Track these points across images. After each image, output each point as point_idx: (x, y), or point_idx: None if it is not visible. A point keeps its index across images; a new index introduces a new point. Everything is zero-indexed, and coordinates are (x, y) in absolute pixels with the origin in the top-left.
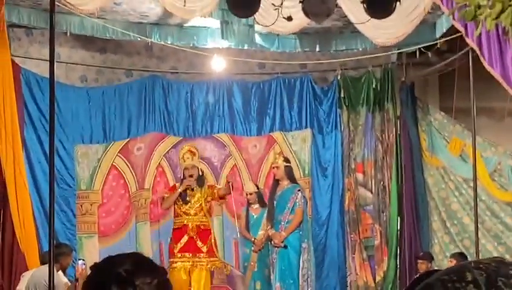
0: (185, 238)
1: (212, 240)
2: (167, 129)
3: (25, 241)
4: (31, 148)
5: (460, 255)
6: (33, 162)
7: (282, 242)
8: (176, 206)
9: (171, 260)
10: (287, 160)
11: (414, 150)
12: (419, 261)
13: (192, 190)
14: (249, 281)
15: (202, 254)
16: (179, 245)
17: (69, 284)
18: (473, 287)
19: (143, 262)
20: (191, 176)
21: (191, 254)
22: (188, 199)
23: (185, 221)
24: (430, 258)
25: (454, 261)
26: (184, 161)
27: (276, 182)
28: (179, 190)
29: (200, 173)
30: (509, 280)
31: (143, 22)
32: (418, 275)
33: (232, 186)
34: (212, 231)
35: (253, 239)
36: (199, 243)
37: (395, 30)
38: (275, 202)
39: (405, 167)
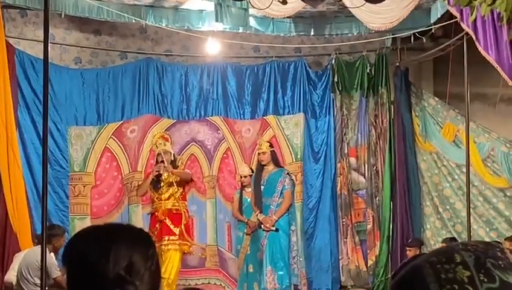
0: (159, 224)
1: (183, 225)
2: (161, 112)
3: (17, 222)
4: (25, 130)
5: (452, 240)
6: (26, 144)
7: (273, 225)
8: (150, 192)
9: None
10: (271, 145)
11: (407, 135)
12: (408, 249)
13: (161, 175)
14: (241, 264)
15: (174, 237)
16: (155, 230)
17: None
18: (462, 269)
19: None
20: (162, 161)
21: (166, 237)
22: (159, 185)
23: (157, 206)
24: (419, 244)
25: None
26: (157, 147)
27: (261, 167)
28: (151, 177)
29: (172, 158)
30: (497, 261)
31: (138, 4)
32: (405, 260)
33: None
34: (184, 216)
35: (246, 220)
36: (171, 226)
37: (390, 15)
38: (262, 187)
39: (398, 151)
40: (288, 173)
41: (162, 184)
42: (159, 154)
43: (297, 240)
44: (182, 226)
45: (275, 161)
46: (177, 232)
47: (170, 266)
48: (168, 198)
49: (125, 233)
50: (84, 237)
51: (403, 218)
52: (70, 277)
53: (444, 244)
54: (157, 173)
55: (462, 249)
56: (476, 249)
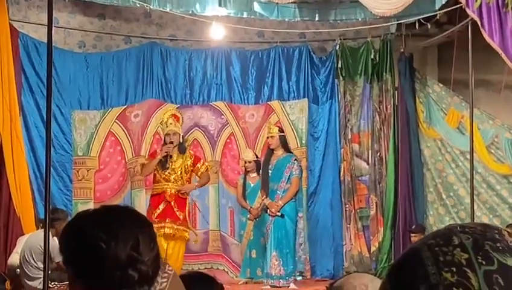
0: (163, 205)
1: (187, 210)
2: (165, 96)
3: (20, 206)
4: (28, 113)
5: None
6: (30, 127)
7: (278, 211)
8: (155, 172)
9: None
10: (281, 130)
11: (411, 122)
12: (413, 234)
13: (171, 157)
14: (244, 249)
15: (179, 222)
16: (157, 211)
17: None
18: (460, 251)
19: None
20: (171, 142)
21: (168, 220)
22: (167, 165)
23: (164, 187)
24: (422, 230)
25: None
26: (167, 126)
27: (271, 151)
28: (158, 157)
29: (181, 140)
30: (495, 244)
31: None
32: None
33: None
34: (187, 202)
35: (249, 207)
36: (176, 211)
37: (394, 1)
38: (270, 172)
39: (402, 138)
40: (296, 159)
41: (169, 165)
42: (167, 134)
43: (304, 226)
44: (186, 212)
45: (285, 145)
46: (181, 218)
47: (176, 252)
48: (175, 180)
49: (127, 214)
50: (88, 220)
51: (406, 204)
52: (76, 260)
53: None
54: (165, 154)
55: (460, 231)
56: (474, 232)
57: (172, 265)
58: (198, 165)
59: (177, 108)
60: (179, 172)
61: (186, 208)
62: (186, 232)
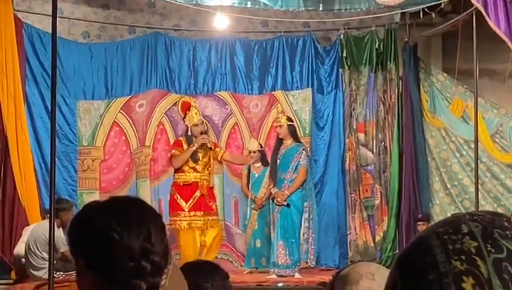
0: (197, 196)
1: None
2: (169, 86)
3: (25, 196)
4: (33, 104)
5: None
6: (35, 118)
7: (285, 201)
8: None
9: (176, 218)
10: (289, 119)
11: (416, 111)
12: (420, 223)
13: (210, 148)
14: (248, 239)
15: (213, 212)
16: (190, 202)
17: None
18: (469, 239)
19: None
20: (202, 132)
21: (202, 212)
22: (197, 156)
23: (194, 178)
24: (429, 219)
25: None
26: (193, 118)
27: (280, 140)
28: (194, 148)
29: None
30: (504, 231)
31: None
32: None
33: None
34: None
35: (254, 197)
36: (209, 202)
37: None
38: (278, 161)
39: (406, 127)
40: (304, 149)
41: (199, 155)
42: (196, 125)
43: (311, 216)
44: (216, 202)
45: (294, 135)
46: (215, 208)
47: (217, 240)
48: (203, 171)
49: (138, 206)
50: (100, 210)
51: (410, 193)
52: (88, 251)
53: None
54: (203, 142)
55: (469, 219)
56: (483, 219)
57: (211, 253)
58: (217, 149)
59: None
60: (205, 162)
61: (215, 198)
62: (218, 221)
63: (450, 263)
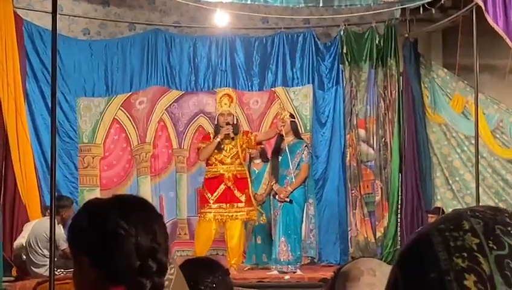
0: (222, 188)
1: (250, 189)
2: (169, 83)
3: (26, 193)
4: (33, 101)
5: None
6: (35, 115)
7: (287, 197)
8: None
9: (203, 210)
10: (292, 115)
11: (416, 107)
12: (430, 215)
13: (232, 139)
14: (249, 235)
15: (241, 204)
16: (216, 195)
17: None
18: (471, 236)
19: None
20: (228, 123)
21: (228, 205)
22: (223, 146)
23: (221, 170)
24: (439, 213)
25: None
26: (221, 107)
27: (281, 137)
28: (218, 139)
29: (235, 121)
30: (506, 228)
31: None
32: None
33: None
34: (248, 180)
35: (254, 194)
36: (237, 193)
37: None
38: (280, 157)
39: (407, 123)
40: (306, 146)
41: (224, 146)
42: (222, 114)
43: (312, 212)
44: (250, 191)
45: (296, 132)
46: (243, 199)
47: (232, 233)
48: (232, 162)
49: (142, 205)
50: (107, 208)
51: (411, 189)
52: (93, 248)
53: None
54: (227, 133)
55: (470, 215)
56: (485, 215)
57: (233, 247)
58: (250, 135)
59: (181, 95)
60: (234, 153)
61: (250, 188)
62: (252, 212)
63: (451, 261)
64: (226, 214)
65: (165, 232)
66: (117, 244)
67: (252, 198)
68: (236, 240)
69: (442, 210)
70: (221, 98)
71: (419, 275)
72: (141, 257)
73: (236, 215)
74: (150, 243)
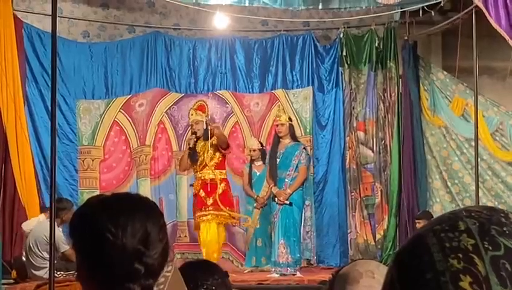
0: (194, 197)
1: (217, 195)
2: (169, 86)
3: (25, 195)
4: (33, 103)
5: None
6: (35, 117)
7: (287, 199)
8: (189, 166)
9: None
10: (289, 118)
11: (416, 109)
12: (417, 221)
13: (194, 147)
14: (250, 238)
15: (207, 207)
16: (209, 199)
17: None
18: (467, 237)
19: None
20: (194, 132)
21: (202, 208)
22: (196, 157)
23: (208, 175)
24: (429, 217)
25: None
26: (189, 119)
27: (278, 139)
28: (186, 151)
29: (204, 127)
30: (501, 228)
31: None
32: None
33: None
34: (220, 185)
35: (255, 196)
36: (204, 198)
37: None
38: (277, 160)
39: (406, 125)
40: (304, 148)
41: (198, 156)
42: (191, 124)
43: (310, 214)
44: (216, 196)
45: (292, 134)
46: (210, 203)
47: (204, 236)
48: (202, 169)
49: (138, 204)
50: (96, 209)
51: (410, 192)
52: (82, 248)
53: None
54: (188, 145)
55: (466, 216)
56: (480, 216)
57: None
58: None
59: (180, 98)
60: (207, 160)
61: (218, 191)
62: (221, 217)
63: (447, 262)
64: (196, 219)
65: (161, 232)
66: (102, 246)
67: (219, 203)
68: (207, 244)
69: (431, 215)
70: (189, 111)
71: (414, 277)
72: (127, 260)
73: (202, 219)
74: (137, 246)
